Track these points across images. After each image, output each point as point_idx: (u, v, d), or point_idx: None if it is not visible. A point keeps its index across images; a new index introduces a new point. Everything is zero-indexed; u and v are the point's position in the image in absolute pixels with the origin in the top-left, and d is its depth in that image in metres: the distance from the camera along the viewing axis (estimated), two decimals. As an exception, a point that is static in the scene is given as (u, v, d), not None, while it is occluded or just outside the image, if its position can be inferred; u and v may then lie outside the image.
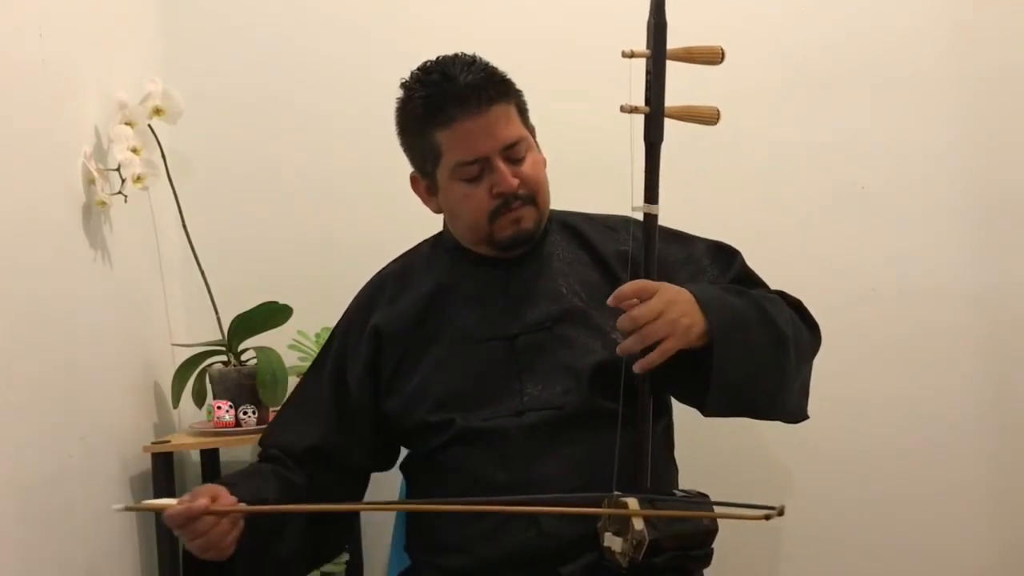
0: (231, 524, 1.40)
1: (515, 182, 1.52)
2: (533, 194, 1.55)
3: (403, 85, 1.57)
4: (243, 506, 1.41)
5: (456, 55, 1.54)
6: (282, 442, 1.62)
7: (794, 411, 1.57)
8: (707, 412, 1.48)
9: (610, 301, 1.41)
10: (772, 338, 1.48)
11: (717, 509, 1.42)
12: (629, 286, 1.41)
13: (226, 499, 1.41)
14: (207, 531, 1.38)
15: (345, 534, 1.76)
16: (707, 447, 1.88)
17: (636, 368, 1.40)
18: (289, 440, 1.61)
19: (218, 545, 1.39)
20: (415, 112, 1.54)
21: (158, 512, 1.40)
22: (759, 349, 1.46)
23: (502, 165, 1.51)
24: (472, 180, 1.53)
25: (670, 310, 1.38)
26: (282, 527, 1.51)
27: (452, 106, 1.49)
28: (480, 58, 1.54)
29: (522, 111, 1.57)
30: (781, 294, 1.60)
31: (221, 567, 1.44)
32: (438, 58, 1.55)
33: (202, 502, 1.37)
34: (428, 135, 1.54)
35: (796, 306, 1.60)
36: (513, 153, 1.53)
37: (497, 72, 1.54)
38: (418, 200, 1.65)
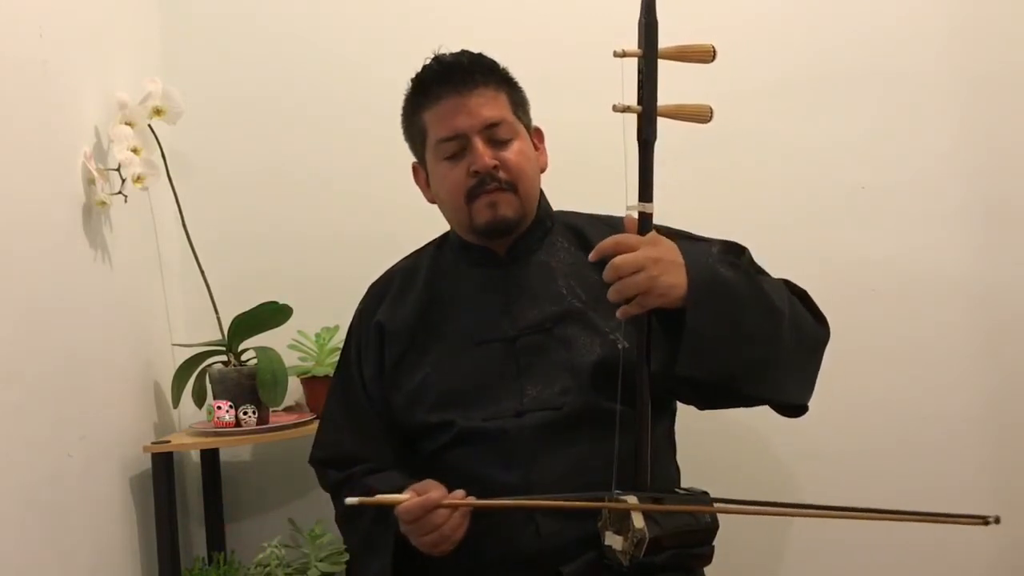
0: (462, 517, 1.41)
1: (492, 162, 1.52)
2: (514, 181, 1.53)
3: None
4: (473, 499, 1.41)
5: (462, 50, 1.57)
6: (368, 456, 1.61)
7: (793, 397, 1.48)
8: (679, 372, 1.36)
9: (592, 256, 1.37)
10: (763, 310, 1.41)
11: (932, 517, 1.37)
12: (609, 240, 1.36)
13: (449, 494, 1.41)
14: (441, 524, 1.38)
15: None
16: (709, 449, 1.88)
17: (618, 314, 1.35)
18: (371, 453, 1.61)
19: (450, 539, 1.40)
20: (408, 96, 1.59)
21: (389, 506, 1.38)
22: (747, 318, 1.39)
23: (480, 143, 1.52)
24: (452, 158, 1.54)
25: (652, 267, 1.33)
26: None
27: (436, 84, 1.53)
28: (483, 54, 1.56)
29: (516, 103, 1.58)
30: (786, 283, 1.54)
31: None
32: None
33: (436, 494, 1.38)
34: (417, 116, 1.57)
35: (801, 296, 1.55)
36: (495, 134, 1.53)
37: (489, 60, 1.56)
38: (418, 200, 1.65)
